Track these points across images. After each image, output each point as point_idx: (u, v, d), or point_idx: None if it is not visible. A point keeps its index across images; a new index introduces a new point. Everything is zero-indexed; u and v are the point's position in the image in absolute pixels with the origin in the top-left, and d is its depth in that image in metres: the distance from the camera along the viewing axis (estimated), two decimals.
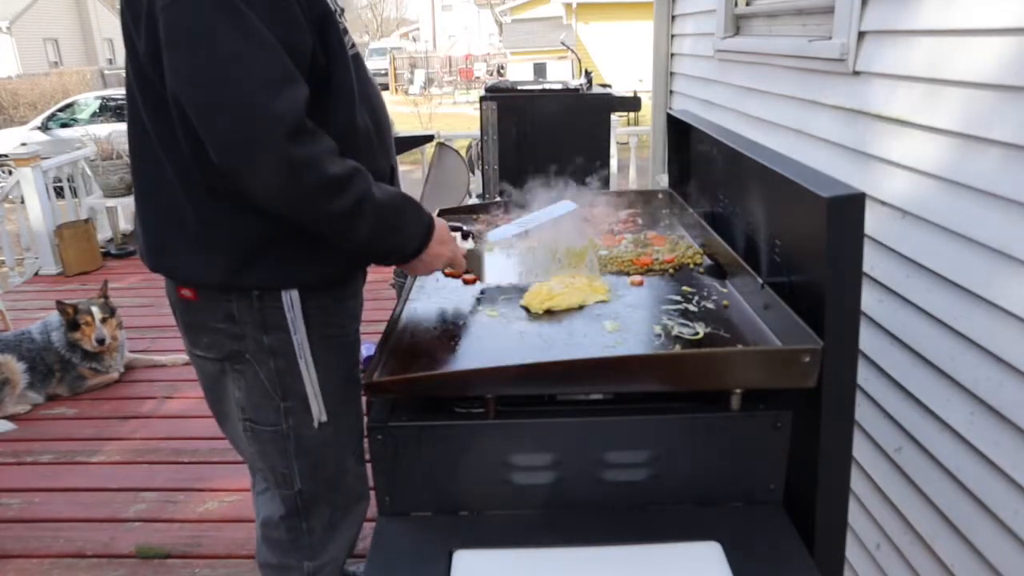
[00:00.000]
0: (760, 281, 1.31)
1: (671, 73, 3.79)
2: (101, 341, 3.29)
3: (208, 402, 1.49)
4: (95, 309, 3.33)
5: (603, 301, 1.42)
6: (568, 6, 20.17)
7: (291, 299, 1.29)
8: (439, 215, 2.00)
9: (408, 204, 1.29)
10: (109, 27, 25.90)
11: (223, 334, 1.32)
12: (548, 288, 1.43)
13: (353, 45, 1.30)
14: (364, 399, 1.20)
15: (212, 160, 1.11)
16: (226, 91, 1.07)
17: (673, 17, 3.69)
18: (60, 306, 3.31)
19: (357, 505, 1.55)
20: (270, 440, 1.38)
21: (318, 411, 1.35)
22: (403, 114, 13.57)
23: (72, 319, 3.30)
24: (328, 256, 1.29)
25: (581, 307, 1.40)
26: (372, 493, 1.21)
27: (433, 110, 14.35)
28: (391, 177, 1.39)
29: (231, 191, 1.16)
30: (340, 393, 1.40)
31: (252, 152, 1.08)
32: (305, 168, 1.11)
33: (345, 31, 1.28)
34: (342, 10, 1.31)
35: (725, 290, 1.44)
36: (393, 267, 1.56)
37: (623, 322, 1.32)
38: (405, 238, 1.29)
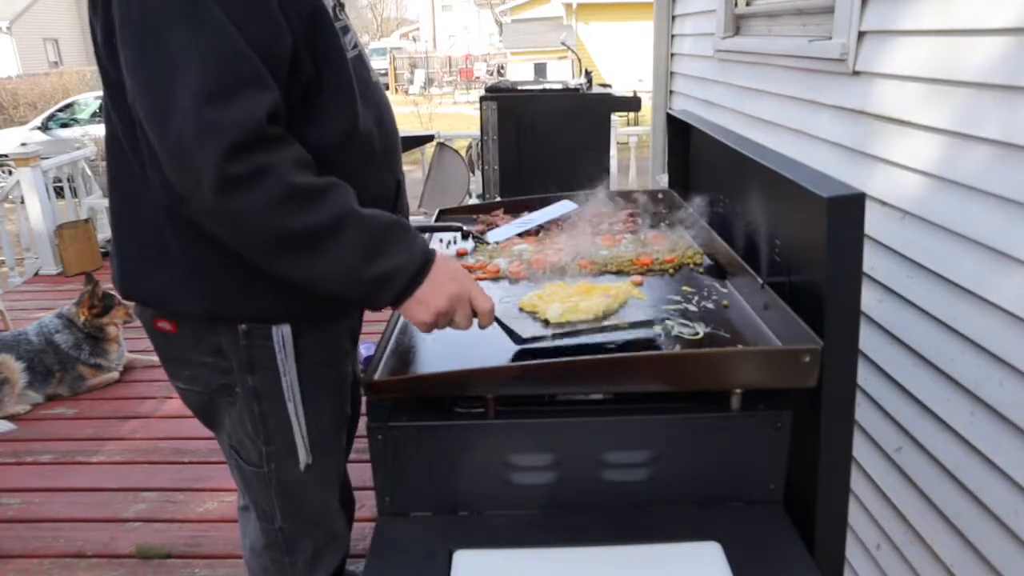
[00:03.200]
0: (760, 281, 1.31)
1: (671, 73, 3.79)
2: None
3: (199, 419, 1.37)
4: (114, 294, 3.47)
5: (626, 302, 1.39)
6: (568, 6, 20.19)
7: (282, 337, 1.18)
8: (439, 215, 2.00)
9: (398, 225, 1.07)
10: None
11: (209, 368, 1.21)
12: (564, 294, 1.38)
13: (356, 45, 1.18)
14: (364, 399, 1.20)
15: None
16: (167, 96, 0.92)
17: (673, 17, 3.69)
18: (94, 290, 3.37)
19: (343, 537, 1.50)
20: (253, 476, 1.31)
21: (304, 455, 1.27)
22: (403, 114, 13.55)
23: (104, 304, 3.38)
24: None
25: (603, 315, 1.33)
26: (372, 493, 1.20)
27: (433, 110, 14.35)
28: (396, 192, 1.28)
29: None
30: (328, 434, 1.33)
31: (190, 171, 0.93)
32: (257, 181, 0.94)
33: (346, 29, 1.15)
34: (341, 5, 1.19)
35: (725, 290, 1.44)
36: None
37: (623, 322, 1.32)
38: (390, 267, 1.04)
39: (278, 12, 0.99)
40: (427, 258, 1.08)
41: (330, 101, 1.10)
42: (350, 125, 1.13)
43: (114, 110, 1.10)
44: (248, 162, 0.94)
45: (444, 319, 1.11)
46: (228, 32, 0.94)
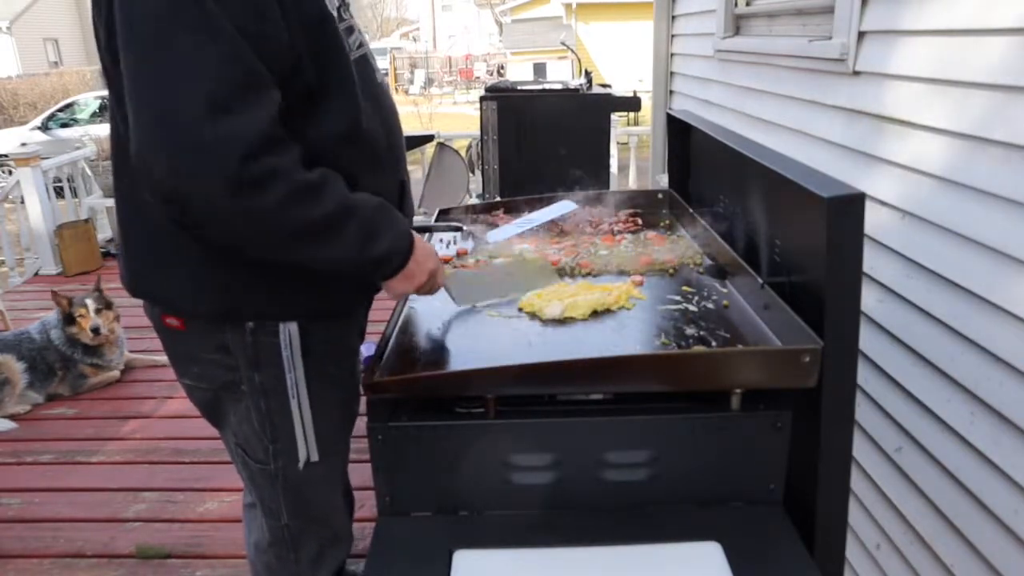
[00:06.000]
0: (760, 281, 1.31)
1: (671, 73, 3.79)
2: (96, 330, 3.27)
3: (204, 416, 1.38)
4: (89, 301, 3.32)
5: (624, 308, 1.39)
6: (568, 6, 20.17)
7: (289, 334, 1.19)
8: (439, 215, 2.00)
9: (387, 208, 1.14)
10: None
11: (216, 365, 1.22)
12: (562, 293, 1.39)
13: (361, 45, 1.19)
14: (364, 399, 1.20)
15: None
16: (173, 102, 0.91)
17: (673, 17, 3.69)
18: (55, 297, 3.31)
19: (347, 537, 1.51)
20: (259, 473, 1.32)
21: (305, 453, 1.27)
22: (403, 114, 13.43)
23: (68, 313, 3.30)
24: (338, 282, 1.19)
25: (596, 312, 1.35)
26: (372, 493, 1.20)
27: (433, 110, 14.34)
28: (401, 194, 1.29)
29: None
30: (336, 432, 1.33)
31: (203, 177, 0.92)
32: (270, 183, 0.97)
33: (351, 29, 1.16)
34: (346, 5, 1.19)
35: (725, 290, 1.44)
36: None
37: (623, 322, 1.32)
38: (388, 247, 1.13)
39: (279, 15, 1.00)
40: (411, 237, 1.19)
41: (331, 102, 1.11)
42: (351, 125, 1.14)
43: (119, 111, 1.09)
44: (260, 165, 0.96)
45: (422, 292, 1.26)
46: (232, 36, 0.94)
